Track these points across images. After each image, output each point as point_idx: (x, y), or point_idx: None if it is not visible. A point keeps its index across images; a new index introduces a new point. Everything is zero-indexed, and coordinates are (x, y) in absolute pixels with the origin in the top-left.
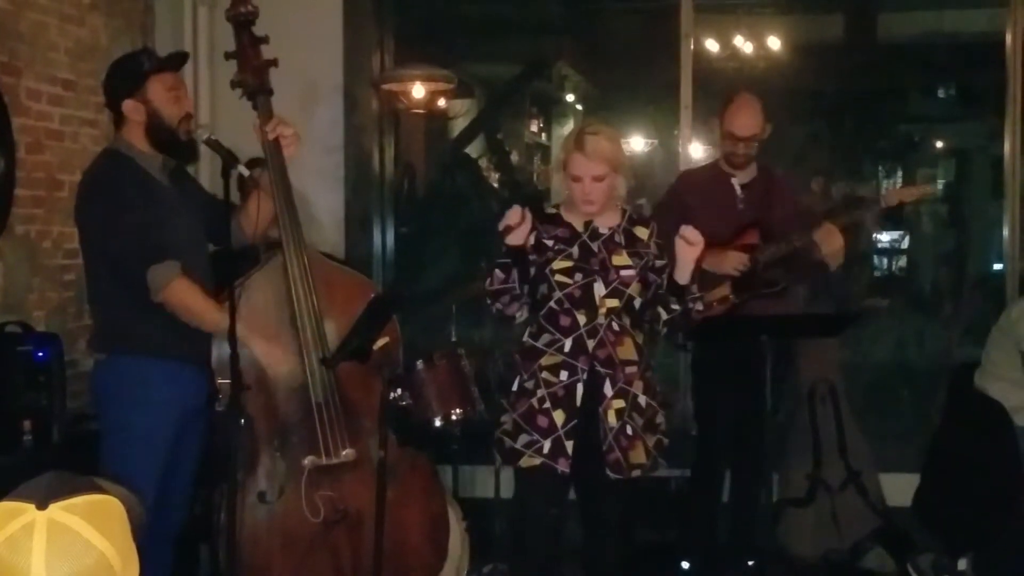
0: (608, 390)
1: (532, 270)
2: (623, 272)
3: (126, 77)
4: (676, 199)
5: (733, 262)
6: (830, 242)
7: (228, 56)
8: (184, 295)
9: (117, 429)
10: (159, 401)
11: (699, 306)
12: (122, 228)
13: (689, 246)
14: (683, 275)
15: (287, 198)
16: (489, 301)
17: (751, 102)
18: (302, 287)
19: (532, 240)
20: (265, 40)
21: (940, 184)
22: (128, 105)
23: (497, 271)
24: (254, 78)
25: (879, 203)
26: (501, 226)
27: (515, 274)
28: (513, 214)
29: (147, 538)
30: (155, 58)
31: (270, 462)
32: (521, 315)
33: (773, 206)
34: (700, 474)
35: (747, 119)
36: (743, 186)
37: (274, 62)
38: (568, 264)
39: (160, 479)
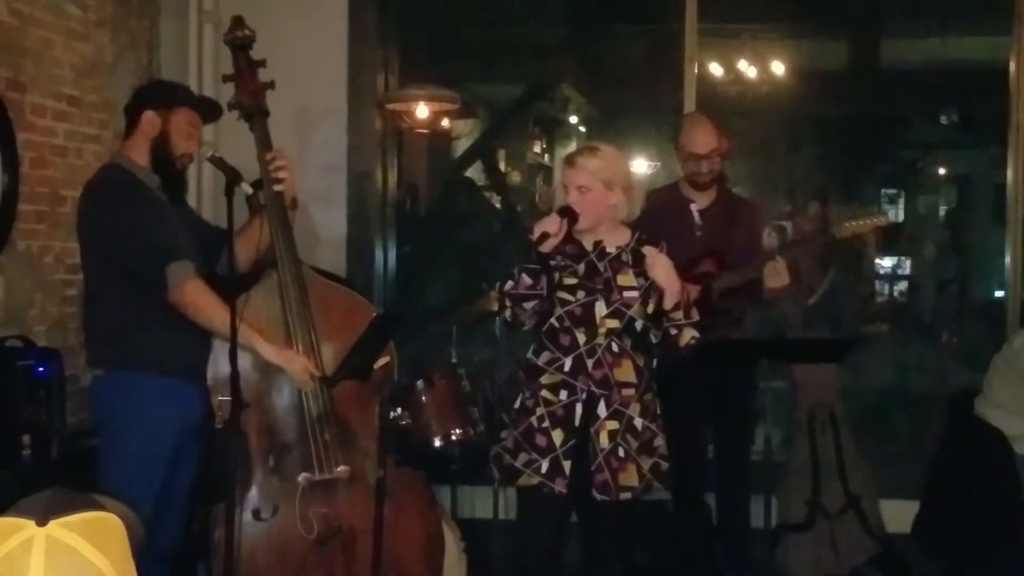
0: (602, 411)
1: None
2: (627, 293)
3: (160, 93)
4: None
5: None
6: (776, 279)
7: (226, 79)
8: (199, 295)
9: (115, 445)
10: (157, 418)
11: (692, 332)
12: (132, 230)
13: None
14: (668, 300)
15: (282, 218)
16: (508, 304)
17: (702, 120)
18: (297, 306)
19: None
20: (263, 63)
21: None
22: (148, 115)
23: (524, 276)
24: (251, 100)
25: (832, 236)
26: (537, 232)
27: (544, 280)
28: (551, 222)
29: (141, 556)
30: (194, 96)
31: (264, 480)
32: (530, 323)
33: (734, 231)
34: (681, 499)
35: (702, 136)
36: (701, 211)
37: (271, 84)
38: (572, 281)
39: (157, 496)
